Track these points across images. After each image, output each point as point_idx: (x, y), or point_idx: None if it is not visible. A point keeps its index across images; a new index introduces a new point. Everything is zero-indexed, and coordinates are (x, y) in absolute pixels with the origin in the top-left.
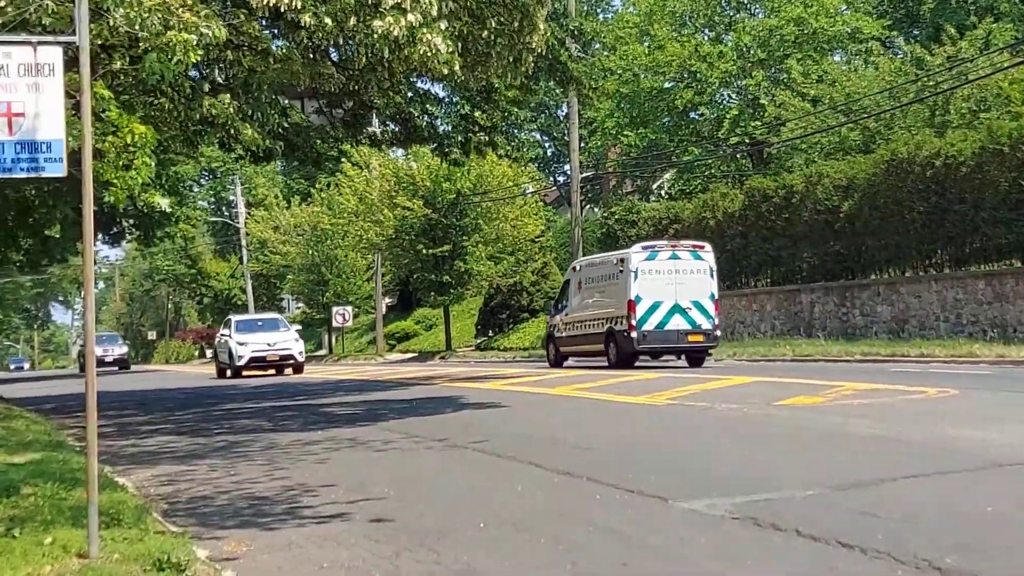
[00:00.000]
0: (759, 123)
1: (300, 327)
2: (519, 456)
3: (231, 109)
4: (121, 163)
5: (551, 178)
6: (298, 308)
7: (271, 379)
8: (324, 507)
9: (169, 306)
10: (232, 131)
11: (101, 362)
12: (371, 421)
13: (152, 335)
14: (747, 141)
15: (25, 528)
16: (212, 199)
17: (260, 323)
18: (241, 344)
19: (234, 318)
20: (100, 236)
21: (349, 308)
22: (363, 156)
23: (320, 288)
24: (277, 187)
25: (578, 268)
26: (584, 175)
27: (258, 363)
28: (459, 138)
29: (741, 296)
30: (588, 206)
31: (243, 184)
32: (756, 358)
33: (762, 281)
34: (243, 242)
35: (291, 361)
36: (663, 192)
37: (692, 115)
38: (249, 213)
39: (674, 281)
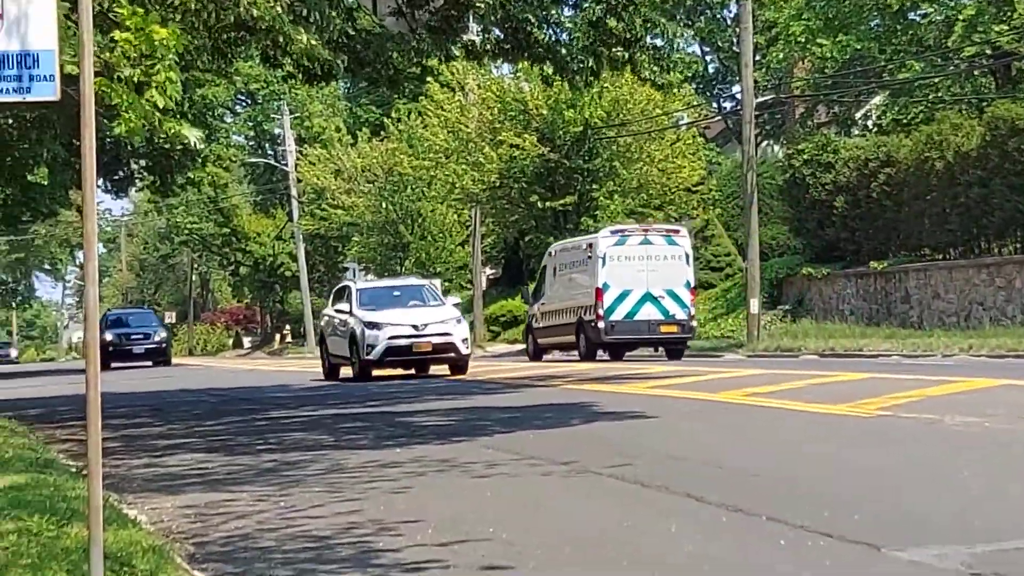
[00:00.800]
0: (1005, 27)
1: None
2: (672, 485)
3: (279, 8)
4: (135, 79)
5: (714, 104)
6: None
7: (332, 380)
8: (406, 552)
9: (194, 278)
10: (280, 39)
11: (127, 354)
12: (469, 436)
13: (170, 317)
14: (988, 52)
15: None
16: (251, 133)
17: (397, 293)
18: (372, 327)
19: (355, 285)
20: (101, 182)
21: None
22: (456, 74)
23: (397, 254)
24: (339, 117)
25: (553, 253)
26: (760, 100)
27: (400, 355)
28: (589, 61)
29: (979, 268)
30: (765, 142)
31: (293, 113)
32: (1002, 352)
33: (1009, 247)
34: (293, 191)
35: (451, 354)
36: (870, 123)
37: (912, 16)
38: (301, 152)
39: (646, 268)
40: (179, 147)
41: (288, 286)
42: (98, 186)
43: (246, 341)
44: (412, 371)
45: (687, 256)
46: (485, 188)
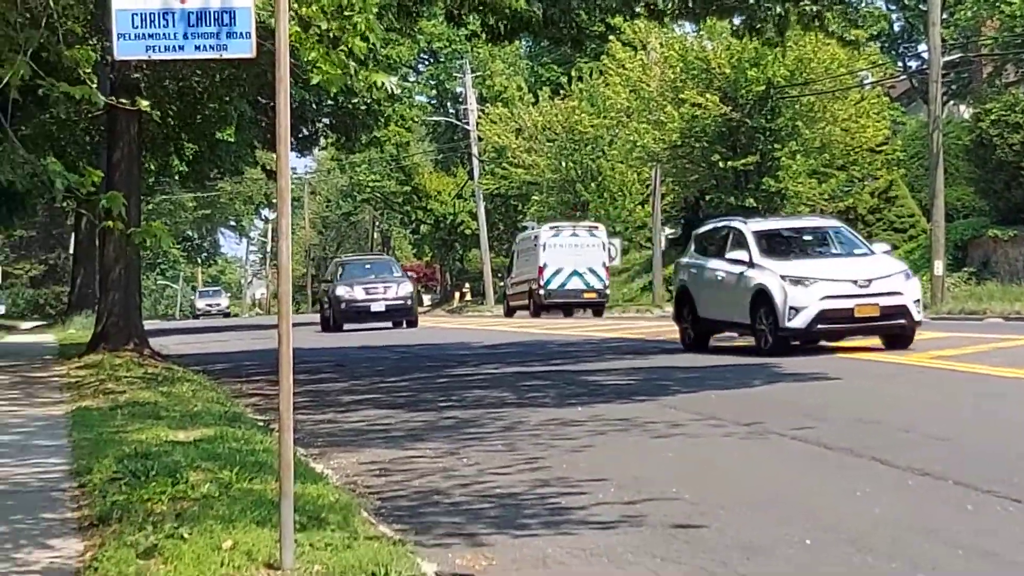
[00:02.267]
0: None
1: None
2: (856, 448)
3: None
4: (332, 33)
5: (899, 63)
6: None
7: (514, 336)
8: (591, 510)
9: (375, 235)
10: None
11: (363, 313)
12: (650, 395)
13: None
14: None
15: (197, 527)
16: (433, 92)
17: (808, 237)
18: (796, 283)
19: (747, 227)
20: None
21: (616, 241)
22: (638, 33)
23: (576, 213)
24: (520, 76)
25: (517, 241)
26: (947, 59)
27: (837, 322)
28: (776, 8)
29: None
30: (952, 102)
31: (474, 72)
32: None
33: None
34: (474, 150)
35: (900, 320)
36: None
37: None
38: (482, 111)
39: (573, 253)
40: (362, 107)
41: (468, 244)
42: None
43: (426, 299)
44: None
45: (603, 244)
46: (666, 147)
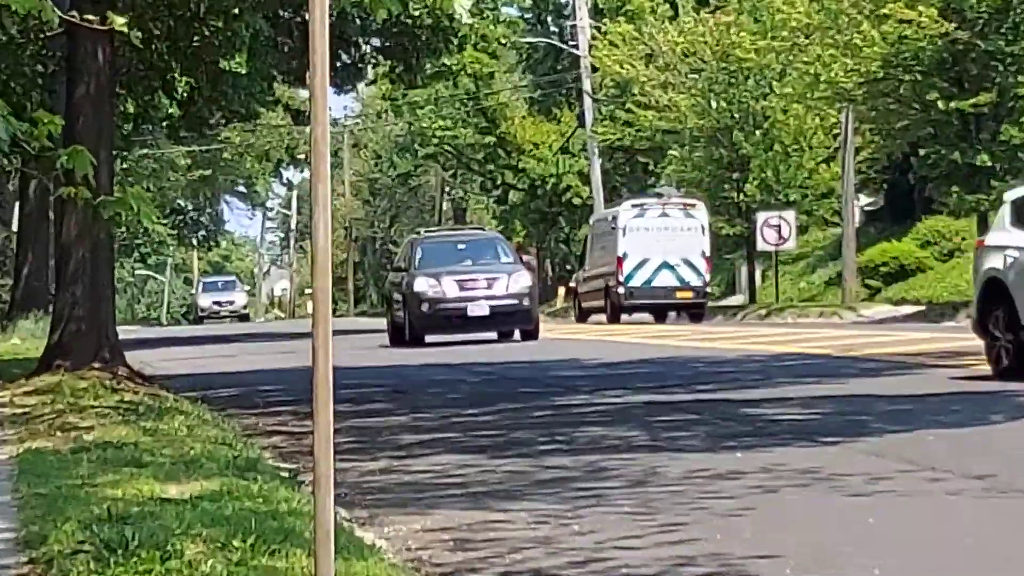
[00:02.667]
0: None
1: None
2: None
3: None
4: None
5: None
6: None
7: (644, 351)
8: None
9: (444, 206)
10: None
11: (456, 317)
12: (841, 436)
13: None
14: None
15: None
16: (527, 3)
17: None
18: None
19: None
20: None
21: (791, 214)
22: None
23: (734, 175)
24: None
25: (592, 224)
26: None
27: None
28: None
29: None
30: None
31: None
32: None
33: None
34: (586, 85)
35: None
36: None
37: None
38: (598, 29)
39: (663, 238)
40: (426, 22)
41: (577, 218)
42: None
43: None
44: None
45: (703, 228)
46: (862, 81)
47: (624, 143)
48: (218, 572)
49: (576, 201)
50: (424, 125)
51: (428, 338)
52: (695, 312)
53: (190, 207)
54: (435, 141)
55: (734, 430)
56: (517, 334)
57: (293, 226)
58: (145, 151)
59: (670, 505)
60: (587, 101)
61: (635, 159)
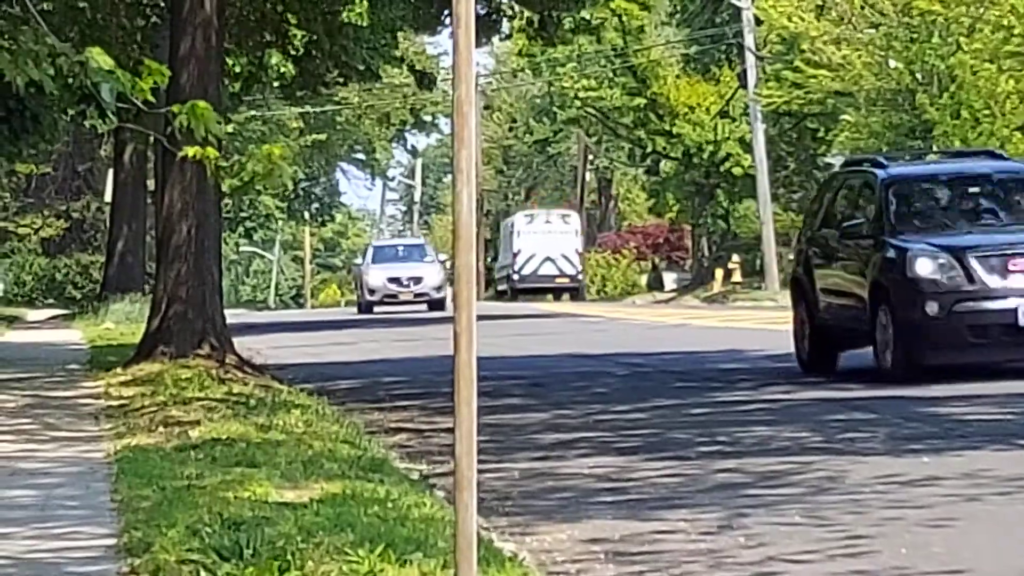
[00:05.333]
0: None
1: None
2: None
3: None
4: None
5: None
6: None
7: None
8: None
9: (587, 176)
10: None
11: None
12: None
13: None
14: None
15: None
16: None
17: None
18: None
19: None
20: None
21: None
22: None
23: (913, 143)
24: None
25: (501, 227)
26: None
27: None
28: None
29: None
30: None
31: None
32: None
33: None
34: (748, 41)
35: None
36: None
37: None
38: None
39: (546, 239)
40: None
41: (737, 192)
42: (444, 27)
43: (669, 279)
44: None
45: (576, 231)
46: None
47: (791, 107)
48: None
49: (736, 171)
50: (565, 85)
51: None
52: (573, 292)
53: (302, 176)
54: (577, 103)
55: (918, 431)
56: None
57: (417, 198)
58: (252, 113)
59: (848, 515)
60: (750, 59)
61: (803, 125)
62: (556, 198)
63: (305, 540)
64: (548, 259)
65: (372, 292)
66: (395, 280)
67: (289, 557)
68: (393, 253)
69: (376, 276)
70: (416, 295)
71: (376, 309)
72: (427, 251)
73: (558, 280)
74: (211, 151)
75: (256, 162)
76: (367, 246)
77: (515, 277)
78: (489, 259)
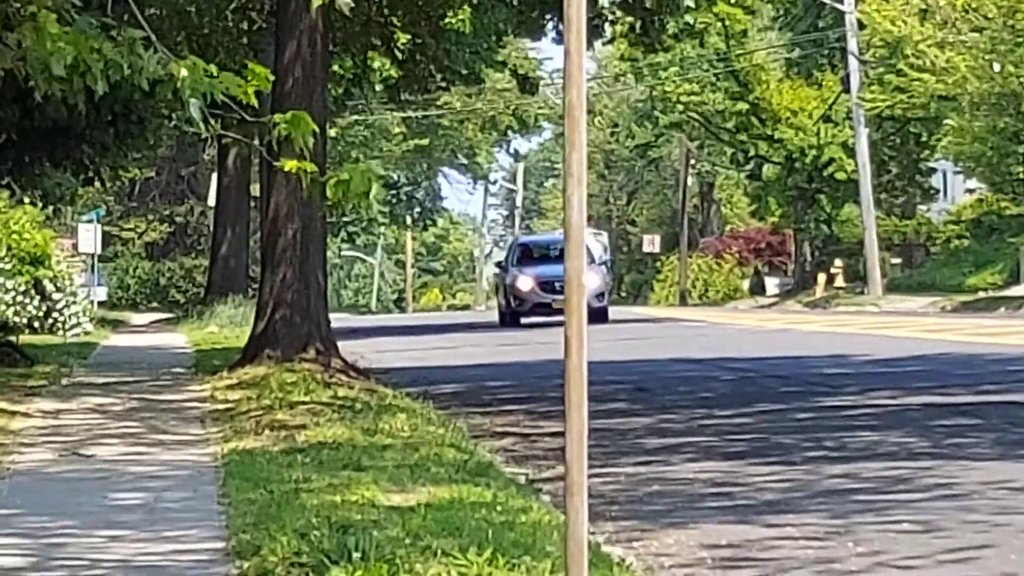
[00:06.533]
0: None
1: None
2: None
3: None
4: None
5: None
6: (973, 191)
7: (920, 346)
8: None
9: (690, 181)
10: None
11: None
12: None
13: (652, 243)
14: None
15: None
16: None
17: None
18: None
19: None
20: (551, 26)
21: None
22: None
23: (1019, 147)
24: None
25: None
26: None
27: None
28: None
29: None
30: None
31: None
32: None
33: None
34: (852, 45)
35: None
36: None
37: None
38: None
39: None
40: None
41: (840, 197)
42: (547, 33)
43: (771, 284)
44: None
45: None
46: None
47: (895, 111)
48: None
49: (840, 176)
50: (667, 89)
51: None
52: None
53: (404, 181)
54: (679, 108)
55: None
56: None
57: (519, 202)
58: (355, 117)
59: (959, 523)
60: (853, 63)
61: (906, 129)
62: (657, 202)
63: (413, 543)
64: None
65: (519, 301)
66: (547, 286)
67: (398, 561)
68: (544, 252)
69: (524, 281)
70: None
71: (524, 321)
72: (586, 249)
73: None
74: (308, 165)
75: (356, 181)
76: (512, 243)
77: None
78: None
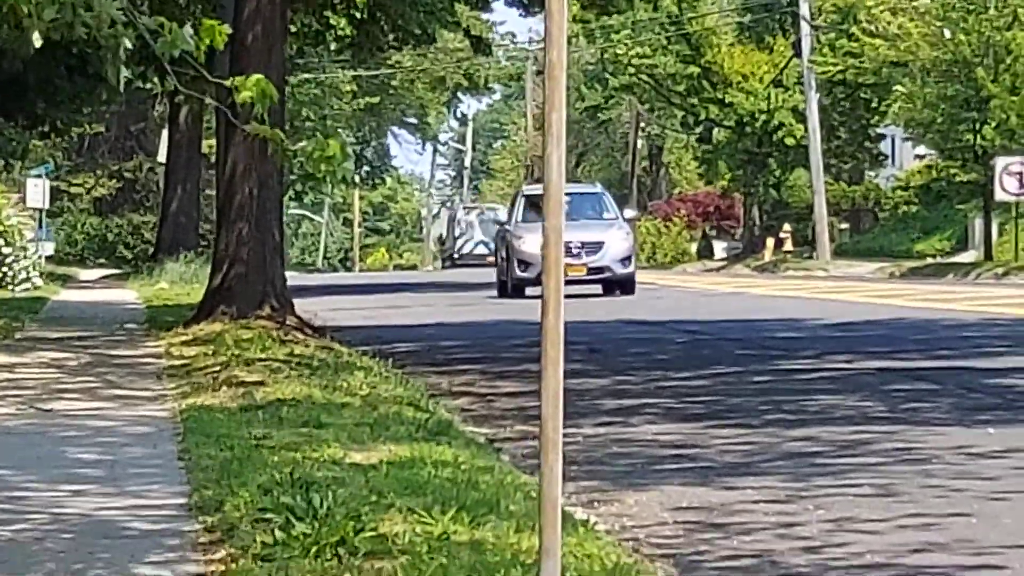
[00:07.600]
0: None
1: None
2: None
3: None
4: None
5: None
6: (922, 157)
7: (869, 311)
8: None
9: (639, 144)
10: None
11: None
12: None
13: None
14: None
15: None
16: None
17: None
18: None
19: None
20: None
21: None
22: None
23: (968, 115)
24: None
25: (448, 216)
26: None
27: None
28: None
29: None
30: None
31: None
32: None
33: None
34: (803, 9)
35: None
36: None
37: None
38: None
39: (481, 226)
40: None
41: (790, 162)
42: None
43: (719, 247)
44: None
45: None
46: None
47: (846, 77)
48: (418, 545)
49: (789, 141)
50: (619, 52)
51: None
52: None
53: (353, 140)
54: (631, 70)
55: (982, 402)
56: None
57: (467, 163)
58: (305, 76)
59: (916, 488)
60: (804, 28)
61: (857, 95)
62: (606, 164)
63: (376, 501)
64: (481, 242)
65: (525, 265)
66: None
67: (363, 518)
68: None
69: (531, 242)
70: (592, 270)
71: (530, 291)
72: (606, 204)
73: (488, 259)
74: (277, 133)
75: (321, 158)
76: (515, 195)
77: (455, 255)
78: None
